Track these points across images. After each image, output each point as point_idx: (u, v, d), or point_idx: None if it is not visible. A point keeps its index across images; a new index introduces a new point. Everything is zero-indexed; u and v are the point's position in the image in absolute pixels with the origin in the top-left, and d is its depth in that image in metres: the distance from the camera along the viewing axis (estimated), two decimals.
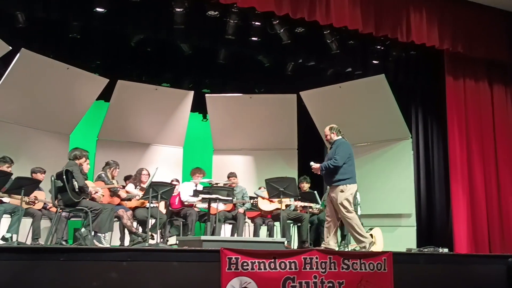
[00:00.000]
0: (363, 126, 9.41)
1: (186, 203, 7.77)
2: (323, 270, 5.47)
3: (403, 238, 8.62)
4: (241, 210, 8.09)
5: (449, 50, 8.64)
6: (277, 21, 8.03)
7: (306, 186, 8.38)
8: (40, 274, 4.21)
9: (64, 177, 6.08)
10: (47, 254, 4.37)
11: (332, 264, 5.53)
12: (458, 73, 8.92)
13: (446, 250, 7.52)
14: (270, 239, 6.44)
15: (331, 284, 5.46)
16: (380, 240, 8.14)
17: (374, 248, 7.77)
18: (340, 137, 6.57)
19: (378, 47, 8.82)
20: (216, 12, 7.86)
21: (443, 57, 8.87)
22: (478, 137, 8.87)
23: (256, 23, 8.05)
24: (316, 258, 5.47)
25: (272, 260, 5.26)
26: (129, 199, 7.32)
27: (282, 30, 8.17)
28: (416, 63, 9.29)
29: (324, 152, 10.31)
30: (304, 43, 8.62)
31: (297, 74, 9.94)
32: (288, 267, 5.31)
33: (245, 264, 5.08)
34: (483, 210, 8.63)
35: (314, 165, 6.60)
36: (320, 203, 7.96)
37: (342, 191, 6.28)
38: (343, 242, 7.57)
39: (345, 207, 6.27)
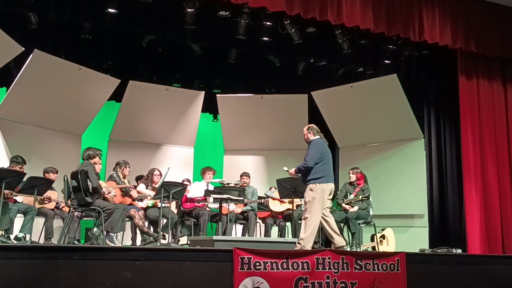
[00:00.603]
0: (375, 126, 9.37)
1: (197, 198, 7.75)
2: (336, 271, 5.43)
3: (416, 239, 8.56)
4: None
5: (462, 49, 8.58)
6: (288, 21, 8.02)
7: None
8: (54, 272, 4.23)
9: (79, 177, 6.11)
10: (62, 253, 4.39)
11: (345, 264, 5.49)
12: (471, 72, 8.86)
13: (459, 250, 7.47)
14: (281, 239, 6.43)
15: (343, 285, 5.43)
16: (392, 241, 8.11)
17: (386, 249, 7.78)
18: (317, 137, 6.45)
19: (390, 46, 8.79)
20: (227, 12, 7.87)
21: (456, 56, 8.81)
22: (491, 136, 8.80)
23: (267, 23, 8.05)
24: (329, 258, 5.44)
25: (285, 260, 5.24)
26: (141, 199, 7.33)
27: (293, 30, 8.15)
28: (429, 62, 9.24)
29: (335, 153, 10.30)
30: (315, 43, 8.60)
31: (308, 74, 9.92)
32: (300, 267, 5.29)
33: (257, 264, 5.07)
34: (496, 211, 8.57)
35: (290, 170, 6.54)
36: (331, 203, 7.94)
37: (311, 190, 6.13)
38: (354, 242, 7.54)
39: (306, 207, 6.11)
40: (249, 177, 8.35)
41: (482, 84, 8.93)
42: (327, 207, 6.27)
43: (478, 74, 8.93)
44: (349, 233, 7.68)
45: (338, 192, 8.23)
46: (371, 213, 7.81)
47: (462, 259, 6.45)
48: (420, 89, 9.78)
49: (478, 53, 8.71)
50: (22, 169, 6.77)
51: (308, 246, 6.02)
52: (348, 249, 6.85)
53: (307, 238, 6.02)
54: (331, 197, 6.37)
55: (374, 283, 5.56)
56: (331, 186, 6.25)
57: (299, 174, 6.41)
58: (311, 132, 6.48)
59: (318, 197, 6.08)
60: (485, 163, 8.63)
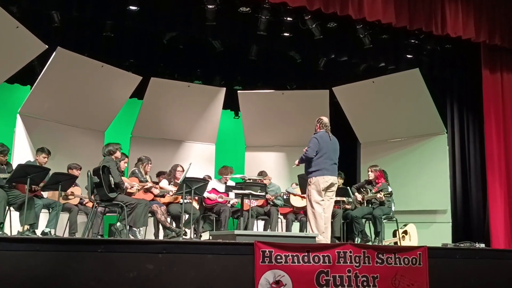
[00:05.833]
0: (397, 121, 9.31)
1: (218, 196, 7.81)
2: (357, 264, 5.41)
3: (438, 235, 8.49)
4: (268, 196, 8.02)
5: (486, 43, 8.45)
6: (309, 16, 7.99)
7: (339, 182, 8.33)
8: (79, 264, 4.29)
9: (101, 173, 6.19)
10: (86, 246, 4.46)
11: (366, 258, 5.45)
12: (495, 66, 8.73)
13: (482, 245, 7.37)
14: (302, 234, 6.42)
15: (365, 278, 5.40)
16: (415, 236, 8.04)
17: (408, 244, 7.71)
18: (323, 130, 6.49)
19: (412, 41, 8.70)
20: (248, 8, 7.89)
21: (480, 49, 8.68)
22: None
23: (288, 18, 8.04)
24: (350, 252, 5.41)
25: (306, 254, 5.23)
26: (163, 195, 7.40)
27: (314, 25, 8.13)
28: (451, 56, 9.13)
29: (356, 148, 10.26)
30: (336, 38, 8.56)
31: (329, 70, 9.88)
32: (321, 260, 5.27)
33: (278, 257, 5.07)
34: None
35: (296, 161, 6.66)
36: (353, 198, 7.91)
37: (309, 184, 6.30)
38: (376, 238, 7.50)
39: (309, 200, 6.26)
40: (266, 175, 8.38)
41: (507, 77, 8.79)
42: (322, 200, 6.33)
43: (503, 68, 8.79)
44: (372, 231, 7.66)
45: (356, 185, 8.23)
46: (393, 208, 7.75)
47: (485, 254, 6.35)
48: (443, 83, 9.67)
49: (503, 46, 8.57)
50: (45, 159, 6.89)
51: (322, 236, 6.14)
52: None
53: (319, 232, 6.14)
54: (334, 188, 6.42)
55: (396, 277, 5.52)
56: (328, 178, 6.30)
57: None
58: (317, 124, 6.59)
59: (315, 190, 6.24)
60: (510, 158, 8.50)
